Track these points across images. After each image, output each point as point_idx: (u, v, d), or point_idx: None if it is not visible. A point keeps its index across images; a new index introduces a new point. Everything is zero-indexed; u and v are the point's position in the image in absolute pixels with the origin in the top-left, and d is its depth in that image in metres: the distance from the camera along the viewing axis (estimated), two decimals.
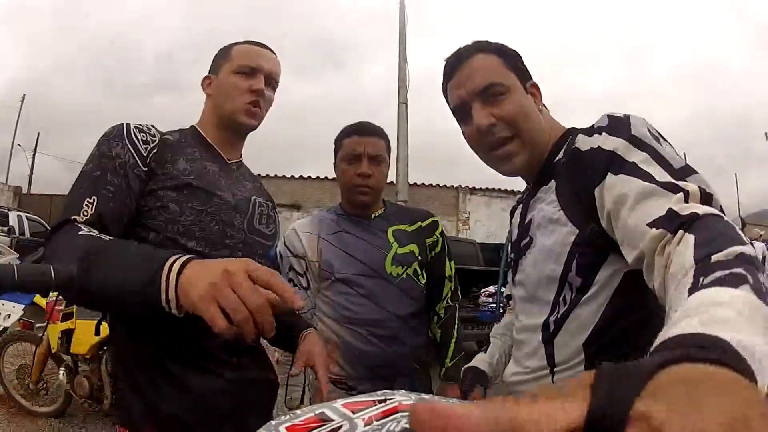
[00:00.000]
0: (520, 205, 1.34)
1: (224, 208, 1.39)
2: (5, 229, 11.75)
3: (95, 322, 3.67)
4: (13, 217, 12.50)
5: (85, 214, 1.17)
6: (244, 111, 1.44)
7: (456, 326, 1.98)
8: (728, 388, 0.28)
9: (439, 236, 2.01)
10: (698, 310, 0.49)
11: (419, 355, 1.89)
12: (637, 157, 0.94)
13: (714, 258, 0.64)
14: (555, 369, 1.14)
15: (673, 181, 0.87)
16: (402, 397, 0.45)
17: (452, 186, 16.89)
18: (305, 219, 2.03)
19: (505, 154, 1.18)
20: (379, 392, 0.47)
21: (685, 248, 0.71)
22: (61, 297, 4.01)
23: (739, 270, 0.59)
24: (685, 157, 0.97)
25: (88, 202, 1.18)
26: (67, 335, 3.96)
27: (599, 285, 1.06)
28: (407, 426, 0.39)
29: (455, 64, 1.23)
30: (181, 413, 1.27)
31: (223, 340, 1.33)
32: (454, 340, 1.96)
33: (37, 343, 4.12)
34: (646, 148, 0.95)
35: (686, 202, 0.82)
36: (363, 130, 1.90)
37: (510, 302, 1.41)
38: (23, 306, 3.73)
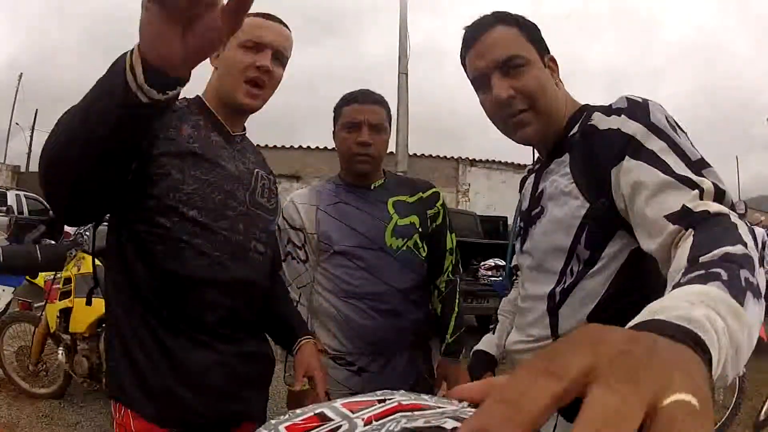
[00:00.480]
0: (532, 175, 1.37)
1: (227, 179, 1.37)
2: (4, 208, 11.78)
3: (94, 299, 3.68)
4: (11, 197, 12.55)
5: None
6: (244, 92, 1.39)
7: (457, 301, 1.96)
8: (604, 328, 0.34)
9: (440, 208, 1.98)
10: (651, 308, 0.55)
11: (420, 329, 1.87)
12: (655, 145, 0.98)
13: (701, 260, 0.71)
14: (558, 339, 1.15)
15: (690, 175, 0.92)
16: (402, 397, 0.45)
17: (452, 157, 16.84)
18: (303, 190, 1.99)
19: (519, 122, 1.22)
20: (379, 392, 0.47)
21: (683, 250, 0.78)
22: (58, 275, 3.99)
23: (716, 269, 0.66)
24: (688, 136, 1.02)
25: None
26: (66, 314, 3.92)
27: (607, 259, 1.11)
28: (407, 426, 0.39)
29: (475, 34, 1.24)
30: (175, 386, 1.27)
31: (221, 314, 1.34)
32: (455, 315, 1.93)
33: (36, 324, 4.11)
34: (664, 136, 0.99)
35: (701, 199, 0.89)
36: (363, 97, 1.86)
37: (518, 272, 1.43)
38: (12, 289, 3.70)
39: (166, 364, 1.27)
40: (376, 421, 0.40)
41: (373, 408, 0.43)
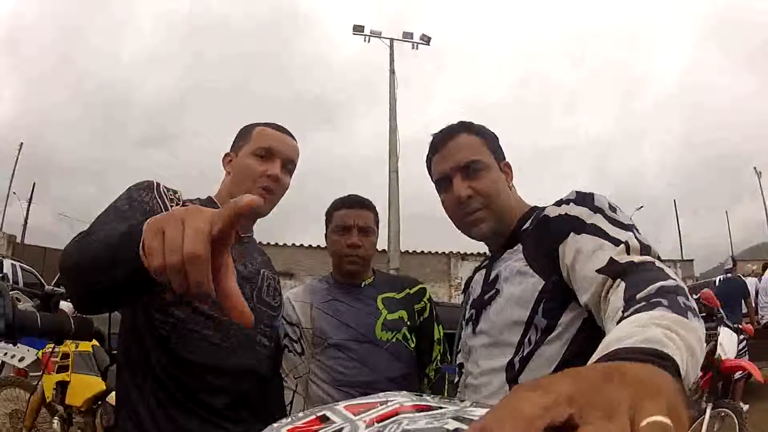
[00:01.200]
0: (481, 271, 1.47)
1: (235, 278, 1.48)
2: None
3: (91, 376, 3.79)
4: (7, 265, 12.04)
5: None
6: (257, 195, 1.46)
7: (446, 388, 2.04)
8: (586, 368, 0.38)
9: (426, 302, 2.10)
10: (607, 341, 0.64)
11: None
12: (595, 219, 1.12)
13: (638, 296, 0.81)
14: None
15: (619, 235, 1.05)
16: (403, 399, 0.46)
17: (443, 252, 16.84)
18: (298, 288, 2.14)
19: (475, 220, 1.34)
20: (381, 394, 0.48)
21: (617, 295, 0.88)
22: (57, 348, 4.09)
23: (657, 299, 0.76)
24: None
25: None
26: (62, 386, 3.97)
27: (563, 326, 1.17)
28: (408, 428, 0.39)
29: (442, 140, 1.38)
30: None
31: (228, 399, 1.42)
32: None
33: (32, 391, 4.15)
34: (603, 213, 1.13)
35: (627, 253, 1.01)
36: (352, 202, 2.03)
37: (462, 370, 1.44)
38: (36, 351, 3.80)
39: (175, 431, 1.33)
40: (378, 423, 0.41)
41: (375, 410, 0.43)
